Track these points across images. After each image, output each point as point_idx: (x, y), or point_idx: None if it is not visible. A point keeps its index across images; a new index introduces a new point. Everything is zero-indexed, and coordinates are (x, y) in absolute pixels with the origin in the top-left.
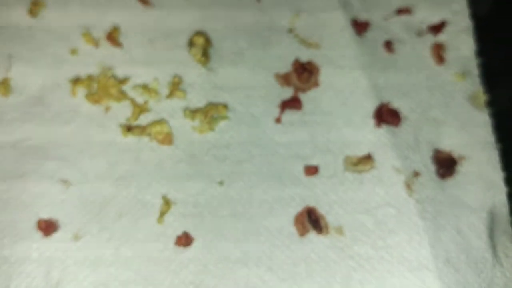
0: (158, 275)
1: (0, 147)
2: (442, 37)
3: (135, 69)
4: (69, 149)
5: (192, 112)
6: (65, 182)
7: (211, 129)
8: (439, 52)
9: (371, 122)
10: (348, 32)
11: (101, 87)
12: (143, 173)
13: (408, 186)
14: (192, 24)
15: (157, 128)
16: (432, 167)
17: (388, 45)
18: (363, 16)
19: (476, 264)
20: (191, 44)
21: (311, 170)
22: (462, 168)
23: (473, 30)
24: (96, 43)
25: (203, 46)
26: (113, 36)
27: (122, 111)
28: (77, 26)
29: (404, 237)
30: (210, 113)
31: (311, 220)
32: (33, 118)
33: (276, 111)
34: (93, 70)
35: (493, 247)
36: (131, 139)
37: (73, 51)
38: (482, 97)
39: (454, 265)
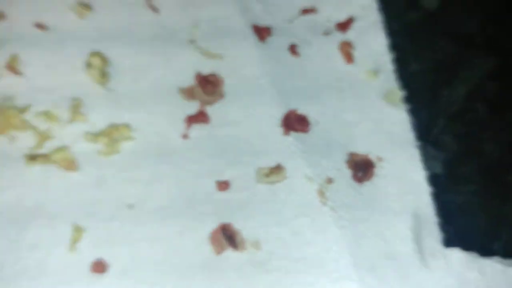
0: None
1: None
2: (351, 35)
3: (37, 96)
4: None
5: (94, 136)
6: None
7: (116, 151)
8: (347, 50)
9: (280, 130)
10: (250, 39)
11: (2, 117)
12: (52, 201)
13: (321, 193)
14: (91, 45)
15: (59, 154)
16: (347, 172)
17: (293, 48)
18: (265, 21)
19: (402, 270)
20: (88, 65)
21: (223, 185)
22: (381, 170)
23: (384, 24)
24: None
25: (100, 67)
26: (12, 66)
27: (27, 140)
28: None
29: (322, 247)
30: (113, 135)
31: (226, 237)
32: None
33: (182, 127)
34: None
35: (420, 251)
36: (38, 168)
37: None
38: (398, 94)
39: (379, 273)
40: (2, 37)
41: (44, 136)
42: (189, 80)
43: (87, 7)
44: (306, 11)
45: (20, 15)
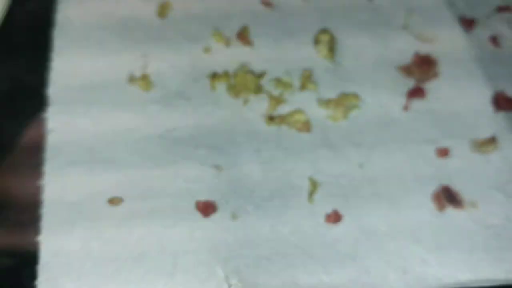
0: (316, 249)
1: (147, 138)
2: None
3: (266, 65)
4: (216, 138)
5: (326, 102)
6: (217, 167)
7: (345, 117)
8: None
9: (490, 108)
10: (458, 29)
11: (240, 81)
12: (286, 158)
13: None
14: (313, 23)
15: (296, 117)
16: None
17: (494, 40)
18: (468, 14)
19: None
20: (317, 41)
21: (443, 152)
22: None
23: None
24: (227, 42)
25: (329, 43)
26: (244, 35)
27: (259, 103)
28: (205, 27)
29: None
30: (343, 102)
31: (447, 196)
32: (176, 110)
33: (401, 100)
34: (227, 66)
35: None
36: (271, 128)
37: (206, 50)
38: None
39: None
40: (229, 10)
41: (278, 100)
42: (405, 59)
43: None
44: (501, 9)
45: None
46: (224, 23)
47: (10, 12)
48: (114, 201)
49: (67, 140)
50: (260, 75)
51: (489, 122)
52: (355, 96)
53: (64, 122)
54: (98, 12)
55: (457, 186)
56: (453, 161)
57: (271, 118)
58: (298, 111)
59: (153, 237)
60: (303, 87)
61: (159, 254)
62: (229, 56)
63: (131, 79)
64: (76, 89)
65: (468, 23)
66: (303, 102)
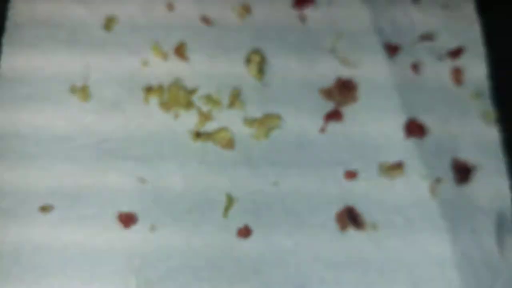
0: (224, 263)
1: (82, 147)
2: (459, 61)
3: (199, 81)
4: (144, 150)
5: (251, 121)
6: (141, 179)
7: (266, 136)
8: (457, 75)
9: (401, 134)
10: (382, 55)
11: (172, 96)
12: (208, 173)
13: (432, 190)
14: (247, 43)
15: (222, 134)
16: (451, 174)
17: (415, 67)
18: (393, 41)
19: (487, 259)
20: (248, 60)
21: (351, 174)
22: (476, 176)
23: (485, 56)
24: (164, 56)
25: (259, 63)
26: (180, 51)
27: (188, 118)
28: (146, 41)
29: (428, 234)
30: (266, 123)
31: (350, 217)
32: (110, 122)
33: (320, 122)
34: (163, 80)
35: (501, 244)
36: (197, 143)
37: (145, 63)
38: (493, 115)
39: (470, 260)
40: (170, 25)
41: (206, 117)
42: (328, 82)
43: (247, 9)
44: (424, 37)
45: (187, 8)
46: (164, 37)
47: None
48: (45, 208)
49: (6, 145)
50: (192, 91)
51: (399, 147)
52: (278, 117)
53: (6, 127)
54: (48, 20)
55: (361, 208)
56: (360, 183)
57: (197, 135)
58: (223, 129)
59: (76, 246)
60: (231, 105)
61: (80, 263)
62: (165, 70)
63: (73, 89)
64: (21, 95)
65: (392, 49)
66: (229, 119)
